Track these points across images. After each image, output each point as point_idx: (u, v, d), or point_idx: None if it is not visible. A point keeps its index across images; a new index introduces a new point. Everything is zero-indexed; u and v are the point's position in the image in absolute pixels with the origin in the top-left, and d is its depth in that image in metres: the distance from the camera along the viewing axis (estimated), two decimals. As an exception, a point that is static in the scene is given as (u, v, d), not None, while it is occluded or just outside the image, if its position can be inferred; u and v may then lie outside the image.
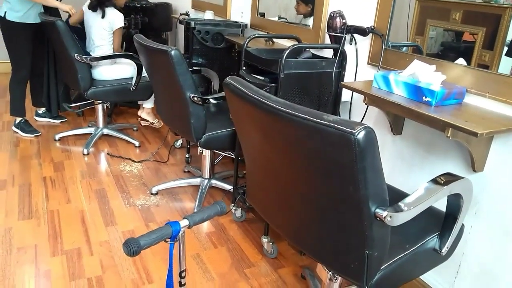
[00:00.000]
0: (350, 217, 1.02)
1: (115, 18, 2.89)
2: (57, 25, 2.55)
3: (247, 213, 2.28)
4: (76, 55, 2.65)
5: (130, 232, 2.07)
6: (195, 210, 2.28)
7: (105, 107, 3.12)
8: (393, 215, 0.96)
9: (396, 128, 1.76)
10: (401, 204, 1.00)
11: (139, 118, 3.49)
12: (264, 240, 1.99)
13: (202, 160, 2.51)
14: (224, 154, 2.88)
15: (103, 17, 2.84)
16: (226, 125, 2.24)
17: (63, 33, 2.58)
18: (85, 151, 2.90)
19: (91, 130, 3.13)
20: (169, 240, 0.95)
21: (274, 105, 1.03)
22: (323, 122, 0.92)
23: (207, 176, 2.52)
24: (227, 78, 1.25)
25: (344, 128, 0.89)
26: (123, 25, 2.92)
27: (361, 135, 0.87)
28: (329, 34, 1.94)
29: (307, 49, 2.09)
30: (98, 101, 3.03)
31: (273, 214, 1.35)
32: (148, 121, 3.48)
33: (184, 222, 0.98)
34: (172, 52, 1.89)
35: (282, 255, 1.99)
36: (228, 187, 2.46)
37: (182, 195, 2.49)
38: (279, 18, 2.79)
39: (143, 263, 1.84)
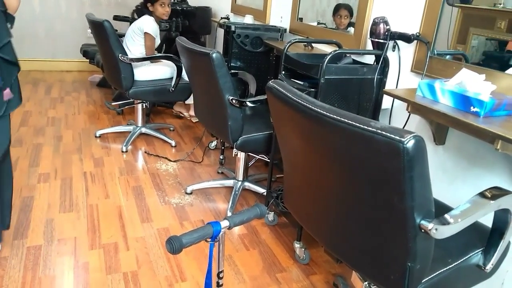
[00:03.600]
0: (393, 227, 0.99)
1: (144, 22, 3.03)
2: (104, 25, 2.65)
3: (279, 217, 2.28)
4: (120, 55, 2.74)
5: (165, 230, 2.11)
6: (228, 212, 2.30)
7: (144, 107, 3.20)
8: (439, 228, 0.93)
9: (439, 138, 1.71)
10: (447, 216, 0.97)
11: (174, 111, 3.70)
12: (297, 245, 1.98)
13: (236, 162, 2.53)
14: (258, 157, 2.90)
15: (134, 20, 3.05)
16: (262, 128, 2.25)
17: (110, 34, 2.68)
18: (124, 149, 2.98)
19: (130, 128, 3.23)
20: (209, 240, 0.96)
21: (319, 110, 1.03)
22: (370, 129, 0.91)
23: (240, 178, 2.54)
24: (269, 81, 1.26)
25: (393, 136, 0.87)
26: (151, 31, 3.02)
27: (410, 143, 0.85)
28: (371, 40, 1.91)
29: (348, 55, 2.07)
30: (138, 101, 3.12)
31: (310, 220, 1.33)
32: (179, 111, 3.72)
33: (224, 223, 0.98)
34: (214, 55, 1.92)
35: (314, 262, 1.97)
36: (261, 190, 2.46)
37: (215, 196, 2.52)
38: (318, 23, 2.78)
39: (176, 261, 1.87)
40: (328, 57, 1.69)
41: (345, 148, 1.01)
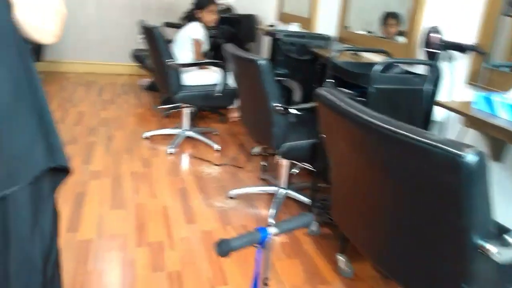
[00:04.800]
0: (448, 245, 0.96)
1: (193, 29, 3.14)
2: (154, 32, 2.76)
3: (322, 228, 2.26)
4: (167, 60, 2.84)
5: (208, 232, 2.15)
6: (271, 219, 2.30)
7: (190, 111, 3.29)
8: (502, 250, 0.89)
9: (495, 154, 1.63)
10: (507, 237, 0.93)
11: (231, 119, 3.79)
12: (340, 258, 1.95)
13: (279, 169, 2.54)
14: (301, 165, 2.89)
15: (181, 27, 3.18)
16: (306, 136, 2.25)
17: (159, 40, 2.78)
18: (170, 151, 3.08)
19: (176, 131, 3.33)
20: (257, 245, 0.98)
21: (371, 119, 1.02)
22: (427, 141, 0.89)
23: (283, 185, 2.54)
24: (318, 89, 1.26)
25: (451, 150, 0.85)
26: (200, 38, 3.11)
27: (470, 158, 0.83)
28: (424, 50, 1.87)
29: (397, 65, 2.03)
30: (185, 105, 3.21)
31: (358, 233, 1.32)
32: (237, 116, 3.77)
33: (272, 229, 1.00)
34: (261, 62, 1.94)
35: (358, 276, 1.93)
36: (305, 199, 2.45)
37: (257, 202, 2.54)
38: (366, 32, 2.75)
39: (219, 264, 1.90)
40: (379, 65, 1.67)
41: (399, 160, 1.00)
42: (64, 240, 1.93)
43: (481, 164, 0.83)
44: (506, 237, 0.92)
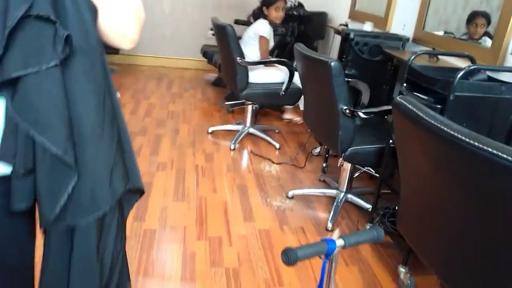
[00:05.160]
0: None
1: (259, 26, 3.15)
2: (227, 30, 2.80)
3: (384, 236, 2.16)
4: (238, 58, 2.87)
5: (265, 231, 2.15)
6: (329, 223, 2.25)
7: (254, 108, 3.31)
8: None
9: None
10: None
11: (284, 120, 3.73)
12: (402, 269, 1.85)
13: (341, 172, 2.47)
14: (364, 169, 2.79)
15: (250, 24, 3.21)
16: (372, 141, 2.16)
17: (231, 38, 2.82)
18: (232, 146, 3.12)
19: (239, 127, 3.36)
20: (323, 256, 0.95)
21: (456, 134, 0.94)
22: (519, 162, 0.80)
23: (344, 189, 2.47)
24: (397, 97, 1.19)
25: (551, 175, 0.76)
26: (266, 35, 3.10)
27: None
28: (514, 56, 1.70)
29: (482, 71, 1.87)
30: (249, 102, 3.24)
31: (428, 248, 1.23)
32: (289, 119, 3.75)
33: (340, 242, 0.96)
34: (332, 64, 1.89)
35: (419, 291, 1.83)
36: (366, 205, 2.36)
37: (316, 204, 2.49)
38: (445, 33, 2.57)
39: (275, 265, 1.89)
40: (462, 72, 1.55)
41: (485, 180, 0.91)
42: (132, 228, 2.04)
43: None
44: None
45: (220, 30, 2.95)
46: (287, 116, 3.82)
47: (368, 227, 2.19)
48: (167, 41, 5.39)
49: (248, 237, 2.09)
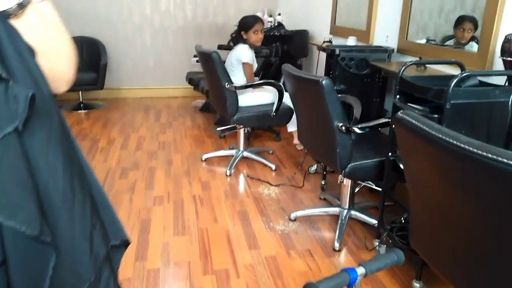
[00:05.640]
0: None
1: (240, 52, 3.15)
2: (212, 57, 2.79)
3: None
4: (226, 84, 2.85)
5: (272, 258, 2.09)
6: (336, 243, 2.20)
7: (246, 131, 3.28)
8: None
9: None
10: None
11: (296, 145, 3.64)
12: (417, 285, 1.81)
13: (342, 189, 2.43)
14: (364, 183, 2.76)
15: (229, 49, 3.21)
16: (370, 154, 2.15)
17: (217, 64, 2.81)
18: (228, 172, 3.08)
19: (232, 152, 3.33)
20: (346, 287, 0.90)
21: (465, 146, 0.92)
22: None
23: (346, 206, 2.43)
24: (399, 112, 1.18)
25: None
26: (248, 60, 3.11)
27: None
28: (503, 59, 1.71)
29: (473, 76, 1.88)
30: (241, 126, 3.21)
31: (443, 261, 1.20)
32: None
33: (360, 270, 0.92)
34: (324, 82, 1.88)
35: (436, 305, 1.78)
36: (372, 220, 2.33)
37: (320, 224, 2.44)
38: (427, 40, 2.60)
39: (287, 293, 1.83)
40: (455, 80, 1.54)
41: (498, 192, 0.88)
42: (134, 269, 1.97)
43: None
44: None
45: (205, 57, 2.94)
46: (297, 141, 3.71)
47: (377, 243, 2.15)
48: (151, 71, 5.38)
49: (255, 266, 2.03)
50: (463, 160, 0.94)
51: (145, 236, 2.25)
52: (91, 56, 4.83)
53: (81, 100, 4.83)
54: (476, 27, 2.12)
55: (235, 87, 2.91)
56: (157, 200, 2.66)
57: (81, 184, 0.71)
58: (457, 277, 1.16)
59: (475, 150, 0.89)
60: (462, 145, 0.92)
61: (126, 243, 0.87)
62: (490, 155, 0.86)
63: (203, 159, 3.33)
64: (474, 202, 0.99)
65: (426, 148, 1.05)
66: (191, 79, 4.41)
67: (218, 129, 3.75)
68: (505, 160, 0.84)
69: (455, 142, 0.94)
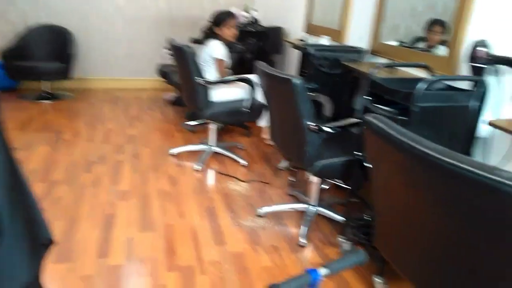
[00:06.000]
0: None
1: (213, 48, 3.10)
2: (184, 51, 2.73)
3: (356, 247, 2.15)
4: (197, 78, 2.81)
5: (239, 255, 2.08)
6: (302, 239, 2.22)
7: (217, 127, 3.25)
8: None
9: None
10: None
11: (265, 140, 3.63)
12: (377, 280, 1.85)
13: (310, 186, 2.45)
14: (332, 181, 2.80)
15: (202, 44, 3.18)
16: (339, 153, 2.17)
17: (189, 59, 2.76)
18: (197, 167, 3.04)
19: (203, 147, 3.29)
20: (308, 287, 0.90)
21: (429, 152, 0.93)
22: (495, 178, 0.80)
23: (313, 203, 2.45)
24: (368, 116, 1.18)
25: (528, 188, 0.75)
26: (221, 57, 3.07)
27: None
28: (470, 65, 1.76)
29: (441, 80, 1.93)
30: (212, 121, 3.17)
31: (409, 265, 1.22)
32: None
33: (323, 271, 0.92)
34: (296, 81, 1.88)
35: (397, 301, 1.82)
36: (338, 217, 2.36)
37: (287, 220, 2.45)
38: (399, 42, 2.65)
39: (252, 291, 1.82)
40: (423, 83, 1.58)
41: (462, 197, 0.90)
42: (96, 266, 1.91)
43: None
44: None
45: (177, 51, 2.88)
46: (267, 135, 3.72)
47: (340, 239, 2.18)
48: (122, 62, 5.24)
49: (221, 262, 2.01)
50: (426, 164, 0.96)
51: (108, 232, 2.18)
52: (58, 45, 4.65)
53: (46, 90, 4.64)
54: (445, 31, 2.18)
55: (207, 82, 2.87)
56: (123, 195, 2.59)
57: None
58: (420, 279, 1.19)
59: (439, 156, 0.91)
60: (426, 150, 0.94)
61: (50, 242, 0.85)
62: (453, 161, 0.88)
63: (172, 153, 3.27)
64: (436, 206, 1.01)
65: (392, 151, 1.06)
66: (163, 72, 4.33)
67: (190, 123, 3.69)
68: (467, 167, 0.85)
69: (420, 147, 0.95)
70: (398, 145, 0.99)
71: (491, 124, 1.46)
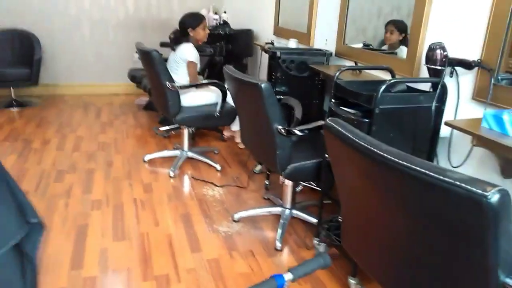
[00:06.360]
0: (473, 283, 0.92)
1: (185, 51, 3.09)
2: (152, 55, 2.72)
3: (331, 248, 2.20)
4: (167, 83, 2.80)
5: (215, 261, 2.09)
6: (277, 242, 2.25)
7: (190, 132, 3.25)
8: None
9: (507, 171, 1.59)
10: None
11: (224, 136, 3.67)
12: (352, 281, 1.90)
13: (284, 189, 2.49)
14: (305, 184, 2.84)
15: (174, 50, 3.15)
16: (310, 156, 2.21)
17: (158, 63, 2.75)
18: (171, 174, 3.03)
19: (176, 153, 3.28)
20: (274, 293, 0.93)
21: (386, 155, 0.98)
22: (447, 179, 0.85)
23: (288, 206, 2.49)
24: (328, 119, 1.22)
25: (474, 190, 0.81)
26: (194, 59, 3.08)
27: (495, 198, 0.79)
28: (427, 67, 1.83)
29: (400, 83, 2.00)
30: (184, 126, 3.17)
31: (374, 266, 1.27)
32: (229, 136, 3.76)
33: (288, 276, 0.95)
34: (263, 85, 1.91)
35: (370, 299, 1.88)
36: (311, 219, 2.40)
37: (263, 224, 2.48)
38: (364, 44, 2.72)
39: (228, 295, 1.84)
40: (384, 86, 1.64)
41: (416, 198, 0.95)
42: (69, 278, 1.88)
43: (505, 203, 0.79)
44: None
45: (145, 55, 2.86)
46: (227, 133, 3.80)
47: (316, 241, 2.23)
48: (91, 67, 5.15)
49: (197, 269, 2.02)
50: (383, 167, 1.00)
51: (81, 243, 2.16)
52: (24, 50, 4.53)
53: (13, 96, 4.51)
54: (401, 31, 2.24)
55: (178, 86, 2.87)
56: (95, 205, 2.56)
57: None
58: (385, 280, 1.23)
59: (394, 158, 0.95)
60: (383, 154, 0.98)
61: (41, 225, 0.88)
62: (407, 164, 0.93)
63: (146, 160, 3.25)
64: (395, 208, 1.06)
65: (352, 155, 1.11)
66: (134, 76, 4.28)
67: (161, 129, 3.67)
68: (421, 169, 0.90)
69: (377, 150, 1.00)
70: (356, 147, 1.04)
71: (447, 124, 1.53)
